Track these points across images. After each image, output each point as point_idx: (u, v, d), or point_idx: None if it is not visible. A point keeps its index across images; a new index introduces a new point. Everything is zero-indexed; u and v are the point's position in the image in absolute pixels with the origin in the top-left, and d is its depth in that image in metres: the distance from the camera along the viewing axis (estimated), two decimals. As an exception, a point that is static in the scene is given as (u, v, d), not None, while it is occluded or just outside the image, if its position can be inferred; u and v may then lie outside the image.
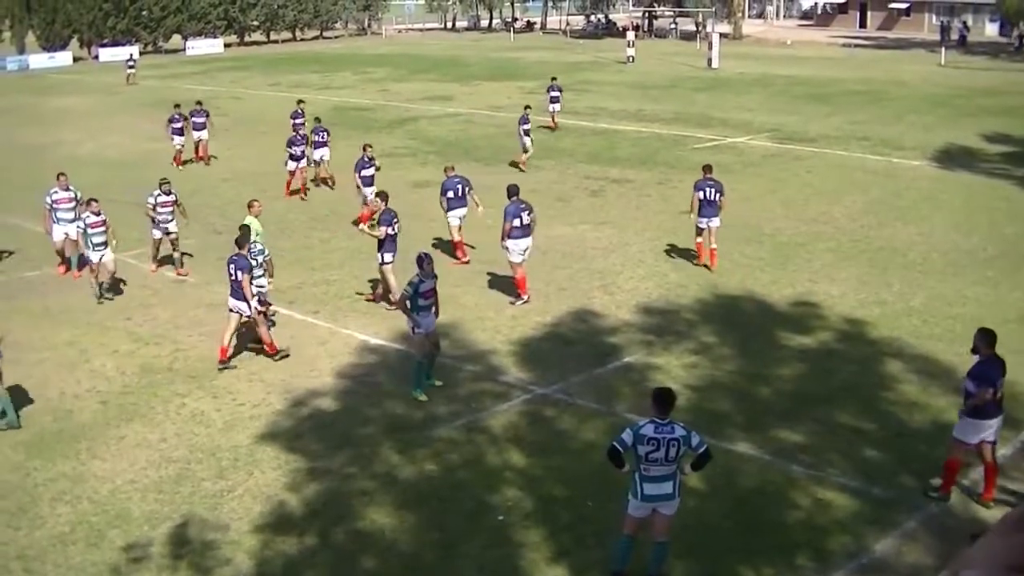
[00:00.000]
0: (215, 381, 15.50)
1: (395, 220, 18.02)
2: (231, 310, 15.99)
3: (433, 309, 14.78)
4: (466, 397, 14.70)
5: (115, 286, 19.74)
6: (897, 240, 22.25)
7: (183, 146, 33.01)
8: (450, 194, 21.16)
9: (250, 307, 15.85)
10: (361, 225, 21.03)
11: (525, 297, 18.55)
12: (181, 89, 54.02)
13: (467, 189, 21.27)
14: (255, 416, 14.23)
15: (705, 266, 20.46)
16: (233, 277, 15.81)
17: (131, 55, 67.46)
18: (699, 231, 20.47)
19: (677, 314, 17.98)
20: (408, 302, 14.48)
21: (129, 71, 60.44)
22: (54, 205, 21.01)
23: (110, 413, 14.45)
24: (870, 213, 24.72)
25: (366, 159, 24.20)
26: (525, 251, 18.54)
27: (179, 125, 32.93)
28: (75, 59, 78.68)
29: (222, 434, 13.71)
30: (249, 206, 18.61)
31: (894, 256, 21.09)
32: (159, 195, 20.54)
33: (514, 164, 30.95)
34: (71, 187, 21.29)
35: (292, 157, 27.77)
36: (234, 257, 15.94)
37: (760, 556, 10.67)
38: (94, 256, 19.20)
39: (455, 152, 34.01)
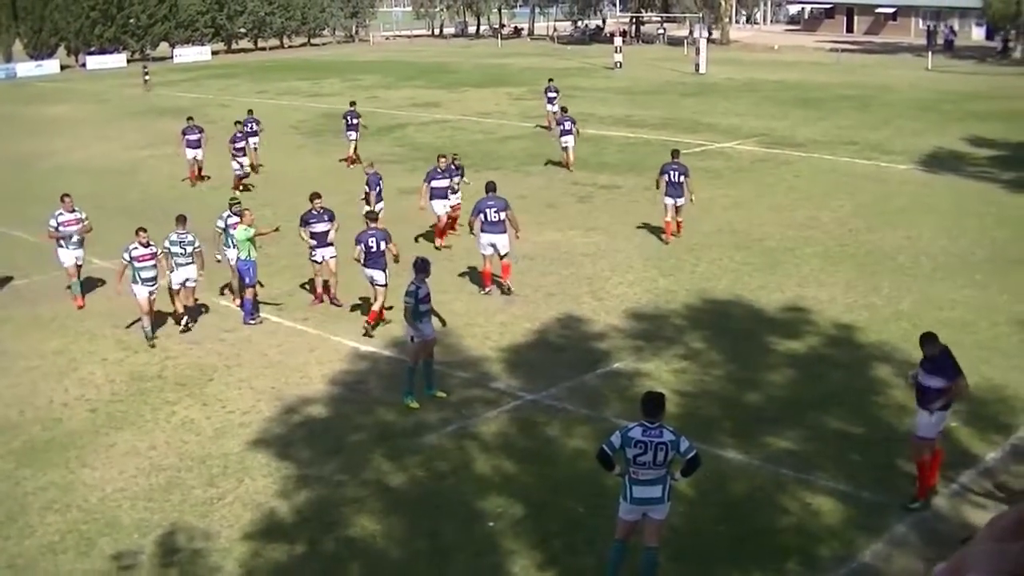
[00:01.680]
0: (205, 389, 15.48)
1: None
2: (372, 281, 17.39)
3: (431, 315, 14.85)
4: (456, 404, 14.69)
5: (158, 324, 17.83)
6: (886, 244, 22.31)
7: (198, 159, 31.10)
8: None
9: (385, 277, 17.21)
10: (439, 242, 22.63)
11: (488, 288, 19.43)
12: (169, 97, 54.05)
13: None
14: (245, 423, 14.21)
15: (673, 235, 22.70)
16: (374, 248, 17.19)
17: (144, 64, 68.32)
18: (666, 209, 22.57)
19: (666, 320, 18.00)
20: (411, 312, 14.46)
21: (145, 77, 61.14)
22: (60, 227, 19.54)
23: (99, 421, 14.43)
24: (858, 217, 24.78)
25: (438, 170, 22.67)
26: (494, 247, 19.14)
27: (196, 137, 31.02)
28: (62, 67, 78.54)
29: (212, 442, 13.69)
30: (240, 216, 18.59)
31: (883, 260, 21.15)
32: (229, 216, 18.90)
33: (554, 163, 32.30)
34: (76, 208, 19.92)
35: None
36: (371, 231, 17.33)
37: (750, 562, 10.69)
38: (141, 292, 17.23)
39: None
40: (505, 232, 19.12)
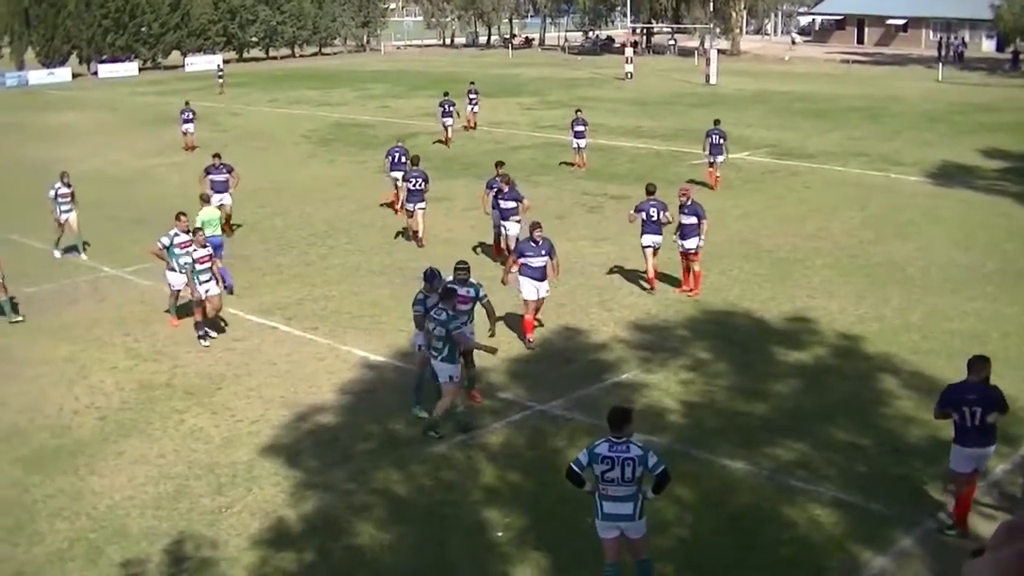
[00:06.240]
0: (214, 397, 15.51)
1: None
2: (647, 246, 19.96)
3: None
4: (463, 414, 14.68)
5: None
6: (896, 255, 22.28)
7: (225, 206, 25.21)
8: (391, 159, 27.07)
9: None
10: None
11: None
12: (179, 105, 54.19)
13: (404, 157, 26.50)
14: (254, 432, 14.24)
15: (709, 187, 28.91)
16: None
17: (219, 64, 71.05)
18: (709, 164, 29.80)
19: (675, 330, 17.99)
20: (419, 321, 14.47)
21: (220, 79, 62.94)
22: (176, 249, 18.20)
23: (108, 429, 14.47)
24: (868, 229, 24.76)
25: (501, 188, 21.64)
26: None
27: (222, 178, 25.60)
28: (74, 75, 78.90)
29: (220, 450, 13.72)
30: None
31: (893, 271, 21.12)
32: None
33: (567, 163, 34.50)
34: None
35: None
36: (652, 201, 20.19)
37: (755, 574, 10.67)
38: (449, 380, 13.87)
39: (455, 167, 34.15)
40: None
